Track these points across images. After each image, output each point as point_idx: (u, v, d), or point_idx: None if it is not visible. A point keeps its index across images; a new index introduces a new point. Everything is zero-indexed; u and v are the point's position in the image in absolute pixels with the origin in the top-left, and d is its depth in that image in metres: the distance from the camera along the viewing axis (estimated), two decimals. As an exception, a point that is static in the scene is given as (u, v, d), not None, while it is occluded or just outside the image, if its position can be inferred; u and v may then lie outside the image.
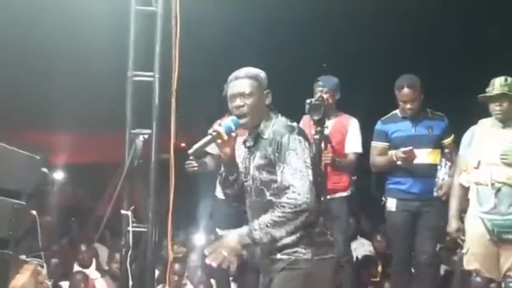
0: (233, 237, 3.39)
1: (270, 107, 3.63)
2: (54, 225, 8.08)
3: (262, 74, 3.65)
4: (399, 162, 5.51)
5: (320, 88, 5.62)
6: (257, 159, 3.56)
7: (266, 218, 3.37)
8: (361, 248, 7.78)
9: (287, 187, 3.39)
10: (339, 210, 5.67)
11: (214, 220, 5.92)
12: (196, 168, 5.67)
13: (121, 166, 5.33)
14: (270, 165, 3.49)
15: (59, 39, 7.85)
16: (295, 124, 3.57)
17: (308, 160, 3.43)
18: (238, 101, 3.59)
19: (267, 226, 3.35)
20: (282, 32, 8.46)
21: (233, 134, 3.59)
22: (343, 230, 5.71)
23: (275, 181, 3.47)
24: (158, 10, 5.24)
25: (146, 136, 5.27)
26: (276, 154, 3.45)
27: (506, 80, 4.96)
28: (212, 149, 4.87)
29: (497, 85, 4.95)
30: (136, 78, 5.32)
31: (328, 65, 6.95)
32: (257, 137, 3.61)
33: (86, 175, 12.89)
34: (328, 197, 5.59)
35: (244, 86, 3.58)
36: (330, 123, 5.65)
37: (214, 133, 3.57)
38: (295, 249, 3.49)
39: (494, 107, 4.96)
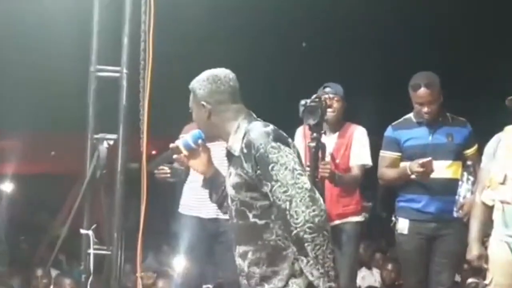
0: None
1: (236, 114, 3.58)
2: (5, 247, 8.03)
3: (197, 84, 3.64)
4: (413, 176, 5.43)
5: (332, 96, 5.62)
6: (233, 177, 3.53)
7: (311, 262, 3.34)
8: (370, 278, 7.78)
9: (286, 209, 3.35)
10: (348, 238, 5.68)
11: (183, 242, 5.86)
12: (168, 175, 5.60)
13: (81, 177, 5.30)
14: (249, 183, 3.45)
15: (9, 26, 7.74)
16: (269, 128, 3.48)
17: (297, 166, 3.40)
18: None
19: (320, 268, 3.34)
20: (264, 20, 8.60)
21: (196, 148, 3.70)
22: (351, 262, 5.73)
23: (258, 199, 3.45)
24: (125, -7, 5.23)
25: (111, 142, 5.25)
26: (258, 172, 3.40)
27: None
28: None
29: None
30: (100, 74, 5.30)
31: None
32: (228, 154, 3.59)
33: (40, 187, 12.80)
34: (337, 221, 5.63)
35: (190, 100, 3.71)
36: (333, 138, 5.71)
37: (173, 147, 3.73)
38: (285, 282, 3.45)
39: None
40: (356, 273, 5.93)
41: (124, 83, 5.21)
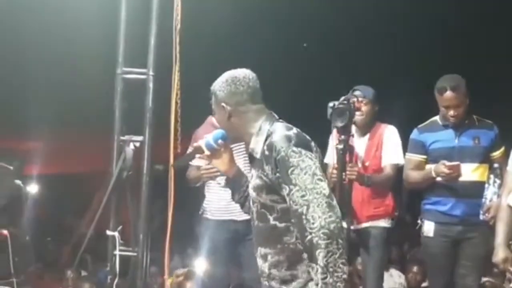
0: None
1: (257, 116, 3.59)
2: (29, 246, 8.11)
3: (218, 85, 3.67)
4: (439, 179, 5.49)
5: (361, 99, 5.64)
6: (254, 179, 3.54)
7: (319, 271, 3.33)
8: (389, 279, 7.73)
9: (303, 214, 3.36)
10: (377, 242, 5.72)
11: (206, 246, 5.92)
12: (217, 174, 5.50)
13: (107, 179, 5.34)
14: (269, 186, 3.46)
15: (36, 28, 7.84)
16: (292, 132, 3.49)
17: (318, 171, 3.39)
18: None
19: (329, 277, 3.32)
20: (291, 20, 8.55)
21: (218, 147, 3.72)
22: (379, 267, 5.78)
23: (278, 202, 3.46)
24: (152, -4, 5.28)
25: (137, 144, 5.30)
26: (277, 175, 3.42)
27: None
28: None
29: None
30: (127, 76, 5.36)
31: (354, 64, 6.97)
32: (250, 156, 3.61)
33: (67, 189, 12.92)
34: (367, 224, 5.70)
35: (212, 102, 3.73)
36: (363, 141, 5.74)
37: (196, 146, 3.77)
38: (305, 286, 3.46)
39: None
40: (383, 278, 5.95)
41: (151, 85, 5.27)
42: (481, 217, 5.46)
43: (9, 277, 4.88)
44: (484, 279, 6.69)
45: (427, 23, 8.45)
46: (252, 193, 3.56)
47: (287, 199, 3.40)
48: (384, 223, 5.77)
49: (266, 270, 3.55)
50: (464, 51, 8.56)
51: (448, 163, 5.41)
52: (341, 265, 3.33)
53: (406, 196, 6.04)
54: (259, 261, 3.59)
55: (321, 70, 9.02)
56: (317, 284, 3.35)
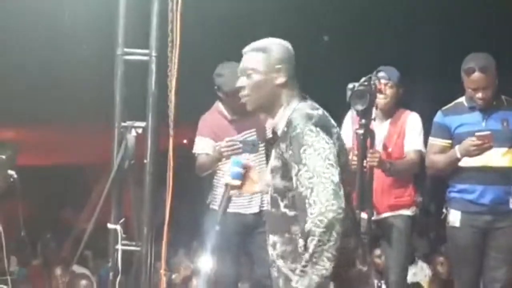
0: None
1: (292, 91, 3.59)
2: (25, 243, 8.15)
3: (274, 46, 3.60)
4: (464, 162, 5.46)
5: (385, 81, 5.62)
6: (272, 160, 3.57)
7: (303, 257, 3.34)
8: (420, 273, 7.87)
9: (306, 197, 3.35)
10: (399, 232, 5.74)
11: (213, 239, 5.92)
12: (240, 150, 5.51)
13: (108, 168, 5.31)
14: (284, 169, 3.48)
15: (32, 8, 7.81)
16: (316, 112, 3.51)
17: (331, 157, 3.38)
18: (240, 81, 3.64)
19: (309, 267, 3.32)
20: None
21: (244, 171, 3.87)
22: (403, 259, 5.80)
23: (290, 189, 3.47)
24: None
25: (139, 130, 5.28)
26: (290, 152, 3.43)
27: None
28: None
29: None
30: (128, 57, 5.32)
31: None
32: (273, 134, 3.64)
33: (64, 179, 12.96)
34: (388, 214, 5.72)
35: (247, 61, 3.62)
36: (384, 125, 5.75)
37: (227, 187, 3.93)
38: None
39: None
40: (407, 271, 5.99)
41: (153, 67, 5.24)
42: (511, 205, 5.47)
43: (4, 275, 4.83)
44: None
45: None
46: (269, 175, 3.56)
47: (294, 180, 3.40)
48: (407, 211, 5.78)
49: (275, 259, 3.62)
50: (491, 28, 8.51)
51: (477, 134, 5.36)
52: (325, 259, 3.30)
53: (430, 184, 5.98)
54: (270, 249, 3.62)
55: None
56: (295, 270, 3.38)
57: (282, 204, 3.52)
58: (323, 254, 3.29)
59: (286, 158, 3.44)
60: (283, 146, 3.46)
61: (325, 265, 3.29)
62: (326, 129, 3.45)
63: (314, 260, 3.30)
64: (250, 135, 5.68)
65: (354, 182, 5.22)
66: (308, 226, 3.31)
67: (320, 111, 3.53)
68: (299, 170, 3.37)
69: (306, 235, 3.33)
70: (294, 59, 3.59)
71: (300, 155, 3.37)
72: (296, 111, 3.50)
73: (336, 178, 3.35)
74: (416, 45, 8.72)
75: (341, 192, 3.34)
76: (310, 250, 3.30)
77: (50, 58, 8.80)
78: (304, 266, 3.32)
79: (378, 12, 8.76)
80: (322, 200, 3.30)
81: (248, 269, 6.64)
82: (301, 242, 3.40)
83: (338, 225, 3.31)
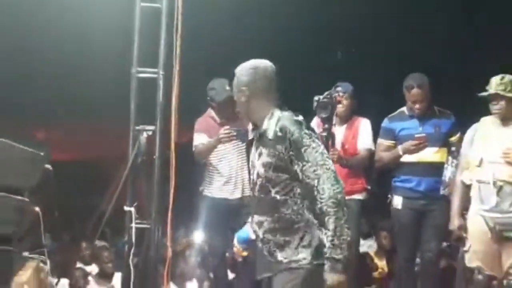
0: (330, 277, 3.41)
1: (268, 103, 3.58)
2: (58, 221, 8.08)
3: (243, 70, 3.62)
4: (406, 157, 5.56)
5: (342, 94, 5.68)
6: (265, 157, 3.54)
7: (328, 234, 3.39)
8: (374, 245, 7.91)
9: (314, 186, 3.41)
10: (352, 213, 5.60)
11: (205, 219, 6.02)
12: (234, 137, 5.61)
13: (125, 163, 5.36)
14: (277, 165, 3.49)
15: (63, 35, 7.89)
16: (300, 118, 3.56)
17: (325, 151, 3.49)
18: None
19: (335, 241, 3.38)
20: (290, 30, 8.56)
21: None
22: (355, 234, 5.62)
23: (282, 179, 3.49)
24: (162, 6, 5.29)
25: (150, 133, 5.31)
26: (291, 153, 3.45)
27: (502, 78, 4.96)
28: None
29: (493, 84, 4.97)
30: (140, 75, 5.36)
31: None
32: (261, 136, 3.58)
33: (88, 172, 12.87)
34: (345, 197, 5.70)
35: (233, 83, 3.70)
36: (342, 129, 5.80)
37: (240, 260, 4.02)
38: (296, 251, 3.50)
39: (492, 106, 4.99)
40: (359, 243, 6.06)
41: (161, 82, 5.28)
42: (442, 192, 5.53)
43: (42, 247, 4.86)
44: (444, 244, 6.75)
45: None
46: (260, 169, 3.56)
47: (300, 174, 3.44)
48: (359, 196, 5.83)
49: (261, 235, 3.58)
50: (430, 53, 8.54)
51: (416, 136, 5.49)
52: (346, 229, 3.40)
53: (377, 175, 6.07)
54: (254, 227, 3.62)
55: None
56: (325, 245, 3.39)
57: (273, 191, 3.51)
58: (343, 226, 3.38)
59: (283, 157, 3.46)
60: (279, 147, 3.46)
61: (348, 233, 3.39)
62: (312, 131, 3.56)
63: (337, 233, 3.36)
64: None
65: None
66: (322, 208, 3.38)
67: (301, 117, 3.57)
68: (303, 166, 3.42)
69: (320, 216, 3.40)
70: (268, 78, 3.57)
71: (303, 154, 3.42)
72: (283, 119, 3.50)
73: (333, 167, 3.45)
74: (366, 66, 8.74)
75: (338, 176, 3.45)
76: (332, 226, 3.36)
77: (81, 80, 8.83)
78: (332, 241, 3.36)
79: (338, 36, 8.77)
80: (329, 186, 3.38)
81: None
82: (297, 225, 3.46)
83: (344, 201, 3.43)
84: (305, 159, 3.42)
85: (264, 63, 3.64)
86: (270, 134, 3.52)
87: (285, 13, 8.31)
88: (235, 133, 5.59)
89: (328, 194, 3.38)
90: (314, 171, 3.41)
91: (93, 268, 7.22)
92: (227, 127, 5.61)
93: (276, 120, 3.53)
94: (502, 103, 4.92)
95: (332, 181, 3.40)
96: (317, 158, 3.42)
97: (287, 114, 3.55)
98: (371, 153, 5.80)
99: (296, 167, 3.45)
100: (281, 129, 3.48)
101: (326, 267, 3.41)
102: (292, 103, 3.67)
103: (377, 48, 8.71)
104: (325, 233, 3.39)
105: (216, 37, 8.18)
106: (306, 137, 3.46)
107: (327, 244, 3.39)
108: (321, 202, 3.40)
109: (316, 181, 3.41)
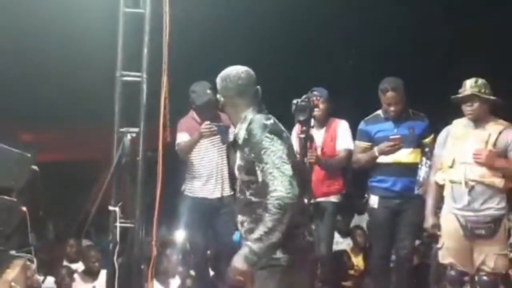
0: (239, 261, 3.48)
1: (245, 107, 3.66)
2: (43, 220, 8.10)
3: (218, 79, 3.73)
4: (381, 158, 5.64)
5: (318, 98, 5.73)
6: (238, 160, 3.66)
7: (260, 229, 3.45)
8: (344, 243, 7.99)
9: (268, 186, 3.47)
10: (328, 214, 5.87)
11: (186, 218, 6.07)
12: (215, 132, 5.67)
13: (109, 164, 5.40)
14: (248, 168, 3.58)
15: (48, 40, 7.92)
16: (269, 121, 3.60)
17: (284, 156, 3.51)
18: None
19: (263, 236, 3.43)
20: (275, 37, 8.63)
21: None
22: (330, 233, 5.96)
23: (254, 182, 3.57)
24: (146, 12, 5.36)
25: (133, 135, 5.37)
26: (253, 155, 3.53)
27: (476, 81, 5.08)
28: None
29: (468, 86, 5.07)
30: (124, 78, 5.42)
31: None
32: (235, 140, 3.71)
33: (73, 172, 12.87)
34: (322, 199, 5.84)
35: None
36: (321, 132, 5.88)
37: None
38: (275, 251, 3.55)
39: (466, 108, 5.08)
40: (333, 241, 6.13)
41: (144, 86, 5.35)
42: (416, 191, 5.62)
43: (29, 245, 4.92)
44: (417, 242, 6.90)
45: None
46: (236, 171, 3.68)
47: (260, 174, 3.51)
48: (334, 198, 5.92)
49: (243, 233, 3.68)
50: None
51: (391, 137, 5.57)
52: (278, 234, 3.43)
53: (353, 176, 6.17)
54: (239, 226, 3.72)
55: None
56: (255, 239, 3.45)
57: (248, 193, 3.59)
58: (277, 230, 3.41)
59: (249, 159, 3.54)
60: (246, 150, 3.56)
61: (278, 239, 3.42)
62: (278, 134, 3.56)
63: (270, 233, 3.41)
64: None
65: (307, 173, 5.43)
66: (267, 206, 3.43)
67: (272, 120, 3.62)
68: (263, 167, 3.47)
69: (264, 211, 3.44)
70: (241, 84, 3.63)
71: (262, 156, 3.48)
72: (253, 122, 3.57)
73: (290, 172, 3.46)
74: (344, 72, 8.86)
75: (295, 183, 3.46)
76: (267, 225, 3.41)
77: (67, 83, 8.84)
78: (261, 235, 3.41)
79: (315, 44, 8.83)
80: (281, 188, 3.42)
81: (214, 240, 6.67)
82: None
83: (291, 209, 3.43)
84: (264, 161, 3.48)
85: (237, 70, 3.70)
86: (240, 139, 3.63)
87: (267, 15, 8.36)
88: (215, 128, 5.64)
89: (277, 195, 3.42)
90: (271, 173, 3.46)
91: (79, 266, 7.24)
92: (208, 122, 5.66)
93: (247, 124, 3.61)
94: (476, 104, 5.01)
95: (286, 186, 3.44)
96: (274, 161, 3.47)
97: (258, 117, 3.61)
98: (351, 154, 5.86)
99: (257, 168, 3.52)
100: (248, 133, 3.58)
101: (241, 251, 3.48)
102: (272, 107, 3.78)
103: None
104: (259, 227, 3.44)
105: (202, 40, 8.22)
106: (267, 140, 3.51)
107: (255, 235, 3.44)
108: (268, 200, 3.44)
109: (271, 181, 3.45)
